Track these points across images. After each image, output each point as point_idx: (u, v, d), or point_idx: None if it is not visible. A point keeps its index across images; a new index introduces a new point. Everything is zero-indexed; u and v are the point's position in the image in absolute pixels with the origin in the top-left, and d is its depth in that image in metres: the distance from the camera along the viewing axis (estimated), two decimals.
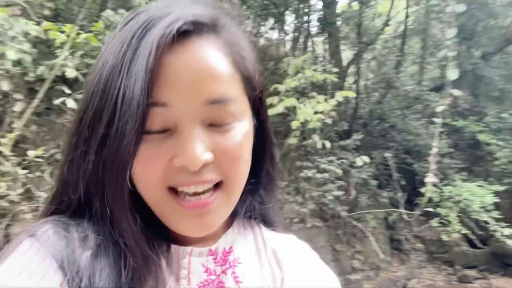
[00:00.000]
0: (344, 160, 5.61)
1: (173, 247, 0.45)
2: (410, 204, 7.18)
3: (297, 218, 5.84)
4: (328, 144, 4.61)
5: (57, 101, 3.68)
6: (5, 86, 4.20)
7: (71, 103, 3.69)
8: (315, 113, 4.58)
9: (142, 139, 0.37)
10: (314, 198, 5.45)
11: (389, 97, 8.05)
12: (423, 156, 7.58)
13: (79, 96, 4.25)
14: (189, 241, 0.45)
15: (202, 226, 0.39)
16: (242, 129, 0.42)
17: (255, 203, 0.52)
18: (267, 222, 0.54)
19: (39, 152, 3.31)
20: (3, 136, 3.29)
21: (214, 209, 0.40)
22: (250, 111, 0.45)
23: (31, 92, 4.79)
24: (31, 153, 3.28)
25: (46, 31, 3.72)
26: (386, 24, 7.96)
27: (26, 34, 3.86)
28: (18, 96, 4.43)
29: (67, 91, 3.91)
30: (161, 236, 0.43)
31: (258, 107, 0.48)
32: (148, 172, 0.38)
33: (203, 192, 0.39)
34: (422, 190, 5.59)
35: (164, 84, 0.37)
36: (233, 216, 0.50)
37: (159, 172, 0.38)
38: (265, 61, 6.93)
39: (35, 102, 4.43)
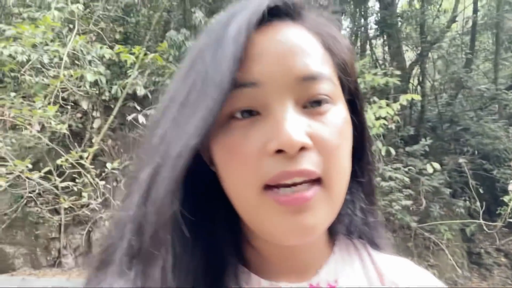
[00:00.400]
0: (411, 168, 5.26)
1: (254, 277, 0.37)
2: (490, 214, 6.49)
3: None
4: (393, 151, 4.36)
5: (129, 117, 3.98)
6: (85, 105, 4.67)
7: (141, 119, 3.97)
8: (377, 118, 4.39)
9: (228, 126, 0.34)
10: (379, 208, 5.17)
11: (460, 98, 7.44)
12: (504, 161, 6.83)
13: (149, 112, 4.57)
14: (278, 276, 0.38)
15: (302, 226, 0.32)
16: (340, 114, 0.36)
17: (356, 217, 0.43)
18: (373, 242, 0.44)
19: (115, 164, 3.59)
20: (84, 151, 3.64)
21: (314, 207, 0.32)
22: (343, 96, 0.39)
23: (106, 109, 5.26)
24: (109, 165, 3.58)
25: (118, 54, 4.06)
26: (452, 20, 7.42)
27: (101, 58, 4.25)
28: (96, 114, 4.90)
29: (138, 107, 4.22)
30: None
31: (353, 96, 0.41)
32: (239, 166, 0.33)
33: (301, 183, 0.32)
34: (505, 198, 5.02)
35: (252, 63, 0.33)
36: (332, 235, 0.42)
37: (252, 164, 0.33)
38: None
39: (110, 118, 4.86)
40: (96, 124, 4.79)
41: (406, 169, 5.17)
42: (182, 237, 0.32)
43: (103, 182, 3.77)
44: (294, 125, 0.32)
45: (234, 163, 0.34)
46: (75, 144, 5.02)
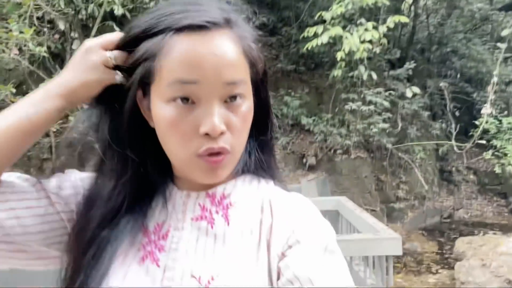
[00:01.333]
0: (392, 92, 5.39)
1: (176, 189, 0.57)
2: (467, 136, 6.86)
3: (341, 149, 5.91)
4: (374, 76, 4.43)
5: None
6: (62, 25, 4.46)
7: None
8: (362, 42, 4.35)
9: (169, 105, 0.48)
10: (359, 131, 5.42)
11: (452, 18, 7.26)
12: (486, 85, 6.99)
13: None
14: (192, 188, 0.56)
15: (216, 175, 0.51)
16: (247, 106, 0.52)
17: (254, 162, 0.60)
18: (271, 176, 0.61)
19: None
20: None
21: (222, 166, 0.50)
22: (252, 91, 0.54)
23: (84, 29, 5.05)
24: None
25: None
26: None
27: None
28: (74, 34, 4.71)
29: (116, 28, 4.07)
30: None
31: (259, 87, 0.56)
32: (180, 137, 0.49)
33: (218, 154, 0.49)
34: (478, 122, 5.30)
35: (194, 68, 0.47)
36: (239, 172, 0.59)
37: (188, 139, 0.48)
38: None
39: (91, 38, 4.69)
40: (75, 45, 4.63)
41: (386, 94, 5.30)
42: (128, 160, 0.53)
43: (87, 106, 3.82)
44: (218, 117, 0.47)
45: (173, 135, 0.49)
46: (56, 66, 4.92)
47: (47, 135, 4.75)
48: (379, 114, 5.34)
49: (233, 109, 0.50)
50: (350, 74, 5.07)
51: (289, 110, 5.76)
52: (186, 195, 0.56)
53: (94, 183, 0.57)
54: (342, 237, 3.15)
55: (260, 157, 0.60)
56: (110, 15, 4.56)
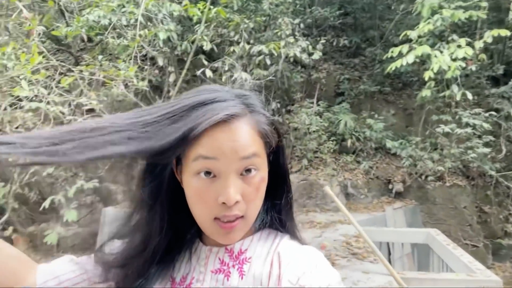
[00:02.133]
0: (494, 112, 4.78)
1: (201, 244, 0.66)
2: None
3: (434, 176, 5.39)
4: (470, 95, 4.01)
5: (198, 72, 4.28)
6: (161, 61, 5.08)
7: (209, 73, 4.25)
8: (454, 60, 4.02)
9: (196, 177, 0.57)
10: (454, 155, 4.90)
11: None
12: None
13: (215, 65, 4.82)
14: (215, 244, 0.63)
15: (229, 239, 0.59)
16: (260, 177, 0.60)
17: (273, 219, 0.69)
18: (284, 230, 0.69)
19: None
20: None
21: (236, 230, 0.59)
22: (266, 160, 0.62)
23: (180, 63, 5.66)
24: None
25: (186, 9, 4.27)
26: None
27: (171, 15, 4.51)
28: (170, 68, 5.32)
29: (205, 62, 4.48)
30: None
31: (276, 158, 0.66)
32: (202, 205, 0.58)
33: (232, 221, 0.58)
34: None
35: (215, 149, 0.56)
36: (258, 229, 0.68)
37: (209, 208, 0.57)
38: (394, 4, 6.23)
39: (183, 72, 5.24)
40: (172, 78, 5.21)
41: (487, 114, 4.72)
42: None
43: None
44: (233, 189, 0.56)
45: (198, 202, 0.58)
46: (156, 97, 5.58)
47: None
48: (479, 137, 4.76)
49: (248, 181, 0.58)
50: (442, 94, 4.67)
51: (373, 133, 5.50)
52: (209, 250, 0.65)
53: (126, 241, 0.66)
54: (430, 276, 2.85)
55: (278, 216, 0.68)
56: (201, 50, 5.05)
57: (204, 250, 0.65)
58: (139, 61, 4.15)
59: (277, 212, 0.69)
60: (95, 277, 0.65)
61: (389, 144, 5.40)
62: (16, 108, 3.85)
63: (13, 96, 3.48)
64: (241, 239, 0.65)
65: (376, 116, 5.73)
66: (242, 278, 0.61)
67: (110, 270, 0.64)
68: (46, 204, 4.51)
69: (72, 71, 3.72)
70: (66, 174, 5.47)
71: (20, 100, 3.40)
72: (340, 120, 5.45)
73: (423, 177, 5.52)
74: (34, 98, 3.19)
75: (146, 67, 4.69)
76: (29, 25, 3.74)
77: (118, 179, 5.80)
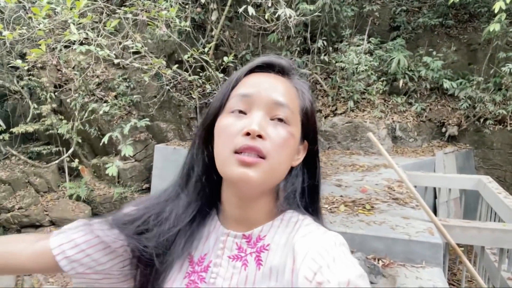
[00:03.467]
0: None
1: (221, 227, 0.64)
2: None
3: (493, 119, 4.97)
4: None
5: (240, 10, 4.10)
6: None
7: (251, 10, 4.06)
8: None
9: (228, 115, 0.58)
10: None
11: None
12: None
13: (259, 1, 4.57)
14: (234, 227, 0.62)
15: (247, 176, 0.54)
16: (288, 130, 0.58)
17: (297, 200, 0.65)
18: (307, 213, 0.65)
19: (231, 57, 3.93)
20: (204, 46, 4.03)
21: (255, 168, 0.55)
22: (300, 130, 0.62)
23: (222, 1, 5.44)
24: (226, 59, 3.94)
25: None
26: None
27: None
28: (213, 6, 5.15)
29: None
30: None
31: (312, 137, 0.65)
32: (227, 138, 0.56)
33: (252, 152, 0.55)
34: None
35: (251, 86, 0.59)
36: (279, 211, 0.64)
37: (232, 138, 0.55)
38: None
39: (226, 9, 5.06)
40: (214, 16, 5.07)
41: None
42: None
43: (221, 75, 4.21)
44: (259, 122, 0.55)
45: (223, 135, 0.57)
46: (199, 36, 5.52)
47: (192, 98, 5.49)
48: None
49: (277, 128, 0.58)
50: None
51: (429, 72, 5.07)
52: (227, 234, 0.62)
53: (143, 207, 0.65)
54: (474, 224, 2.78)
55: (303, 197, 0.65)
56: None
57: (222, 233, 0.63)
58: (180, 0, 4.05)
59: (302, 193, 0.65)
60: (109, 239, 0.63)
61: (446, 84, 4.98)
62: (69, 49, 4.04)
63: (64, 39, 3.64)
64: (261, 224, 0.61)
65: (434, 53, 5.22)
66: (259, 268, 0.58)
67: (127, 234, 0.62)
68: (105, 139, 4.92)
69: (117, 13, 3.75)
70: (120, 113, 5.83)
71: (72, 43, 3.54)
72: (393, 58, 5.05)
73: (481, 120, 5.12)
74: (83, 41, 3.31)
75: (187, 5, 4.58)
76: None
77: (168, 118, 6.08)
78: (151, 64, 3.74)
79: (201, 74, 4.20)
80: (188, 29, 4.01)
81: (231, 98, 0.60)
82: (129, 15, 3.66)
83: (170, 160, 5.55)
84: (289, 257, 0.57)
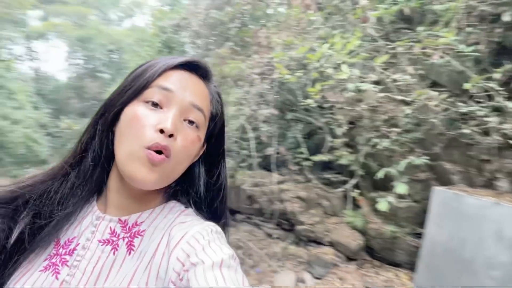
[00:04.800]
0: None
1: (96, 210, 0.62)
2: None
3: None
4: None
5: None
6: (508, 17, 4.04)
7: None
8: None
9: (141, 105, 0.58)
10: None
11: None
12: None
13: None
14: (110, 212, 0.62)
15: (149, 172, 0.55)
16: (197, 134, 0.61)
17: (191, 199, 0.66)
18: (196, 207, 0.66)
19: None
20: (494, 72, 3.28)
21: (157, 170, 0.55)
22: (204, 135, 0.65)
23: None
24: None
25: None
26: None
27: None
28: None
29: None
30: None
31: (216, 140, 0.68)
32: (138, 131, 0.55)
33: (161, 153, 0.56)
34: None
35: (174, 82, 0.60)
36: (164, 201, 0.65)
37: (145, 132, 0.55)
38: None
39: None
40: None
41: None
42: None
43: None
44: (174, 123, 0.57)
45: (133, 127, 0.57)
46: (502, 60, 4.51)
47: (486, 134, 4.53)
48: None
49: (186, 129, 0.60)
50: None
51: None
52: (102, 217, 0.61)
53: (23, 186, 0.62)
54: None
55: (200, 195, 0.65)
56: None
57: (97, 217, 0.62)
58: (464, 22, 3.57)
59: (194, 188, 0.66)
60: None
61: None
62: (342, 90, 4.49)
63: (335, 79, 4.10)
64: (140, 212, 0.61)
65: None
66: (129, 253, 0.57)
67: (4, 214, 0.59)
68: (380, 174, 4.97)
69: (392, 47, 3.82)
70: (402, 149, 5.71)
71: (342, 82, 3.95)
72: None
73: None
74: (353, 79, 3.60)
75: (474, 28, 3.93)
76: (364, 12, 4.18)
77: (454, 158, 5.29)
78: (421, 96, 3.51)
79: (484, 104, 3.43)
80: (476, 54, 3.45)
81: (149, 87, 0.58)
82: (401, 49, 3.65)
83: (449, 206, 4.82)
84: (163, 242, 0.57)
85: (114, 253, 0.58)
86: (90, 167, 0.62)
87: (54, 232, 0.60)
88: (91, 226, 0.62)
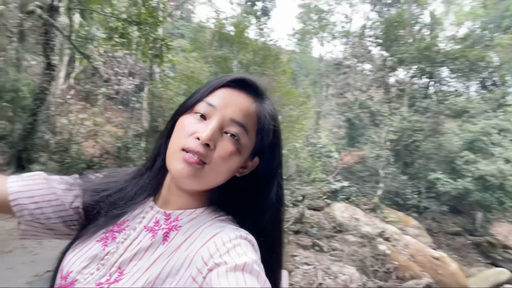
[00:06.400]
0: None
1: (151, 203, 0.72)
2: None
3: None
4: None
5: None
6: None
7: None
8: None
9: (191, 115, 0.67)
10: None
11: None
12: None
13: None
14: (160, 205, 0.71)
15: (183, 171, 0.63)
16: (236, 147, 0.65)
17: (233, 208, 0.70)
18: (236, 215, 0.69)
19: None
20: None
21: (193, 169, 0.62)
22: (251, 147, 0.68)
23: None
24: None
25: None
26: None
27: None
28: None
29: None
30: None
31: (268, 156, 0.70)
32: (180, 135, 0.64)
33: (197, 156, 0.63)
34: None
35: (218, 98, 0.67)
36: (208, 206, 0.70)
37: (185, 137, 0.63)
38: None
39: None
40: None
41: None
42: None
43: None
44: (211, 134, 0.63)
45: (179, 134, 0.66)
46: None
47: None
48: None
49: (226, 141, 0.65)
50: None
51: None
52: (151, 207, 0.72)
53: (110, 181, 0.76)
54: None
55: (244, 207, 0.69)
56: None
57: (148, 206, 0.71)
58: None
59: (241, 201, 0.69)
60: (65, 198, 0.72)
61: None
62: None
63: None
64: (182, 209, 0.69)
65: None
66: (163, 243, 0.65)
67: (92, 200, 0.72)
68: None
69: None
70: None
71: None
72: None
73: None
74: None
75: None
76: None
77: None
78: None
79: None
80: None
81: (201, 102, 0.67)
82: None
83: None
84: (192, 238, 0.63)
85: (151, 239, 0.66)
86: (158, 169, 0.74)
87: (120, 215, 0.72)
88: (143, 213, 0.71)
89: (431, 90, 18.51)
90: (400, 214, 13.66)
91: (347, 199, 13.21)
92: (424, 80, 18.63)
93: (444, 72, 17.87)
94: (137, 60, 13.60)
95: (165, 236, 0.66)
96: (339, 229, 10.47)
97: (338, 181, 13.94)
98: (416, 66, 17.27)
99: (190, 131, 0.65)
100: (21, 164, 9.69)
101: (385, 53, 18.03)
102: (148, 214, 0.71)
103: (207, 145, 0.63)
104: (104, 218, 0.71)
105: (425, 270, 10.18)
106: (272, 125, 0.69)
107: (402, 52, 16.59)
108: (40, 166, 9.86)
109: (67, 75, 14.63)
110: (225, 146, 0.64)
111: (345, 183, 13.70)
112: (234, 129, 0.64)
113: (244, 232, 0.62)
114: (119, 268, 0.64)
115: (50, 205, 0.71)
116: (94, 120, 13.18)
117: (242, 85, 0.69)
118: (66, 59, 14.09)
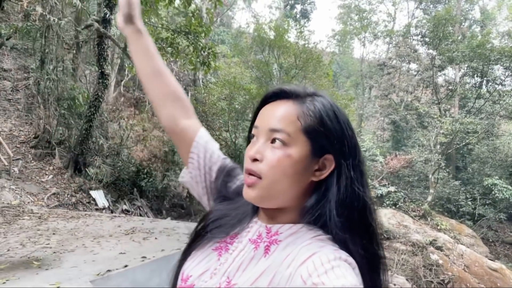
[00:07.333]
0: None
1: (256, 218, 0.77)
2: None
3: None
4: None
5: None
6: None
7: None
8: None
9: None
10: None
11: None
12: None
13: None
14: (262, 220, 0.75)
15: (246, 192, 0.69)
16: (285, 152, 0.66)
17: (328, 221, 0.66)
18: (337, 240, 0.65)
19: None
20: None
21: (253, 189, 0.68)
22: (305, 147, 0.67)
23: None
24: None
25: None
26: None
27: None
28: None
29: None
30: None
31: (335, 153, 0.68)
32: (245, 159, 0.71)
33: (250, 176, 0.69)
34: None
35: (260, 118, 0.73)
36: (304, 220, 0.70)
37: (246, 159, 0.71)
38: None
39: None
40: None
41: None
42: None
43: None
44: (255, 149, 0.68)
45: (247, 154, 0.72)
46: None
47: None
48: None
49: (273, 149, 0.67)
50: None
51: None
52: (255, 221, 0.77)
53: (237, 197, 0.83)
54: None
55: (335, 215, 0.66)
56: None
57: (253, 221, 0.77)
58: None
59: (331, 208, 0.66)
60: (223, 174, 0.87)
61: None
62: None
63: None
64: (283, 223, 0.71)
65: None
66: (265, 256, 0.67)
67: (219, 193, 0.85)
68: None
69: None
70: None
71: None
72: None
73: None
74: None
75: None
76: None
77: None
78: None
79: None
80: None
81: (253, 127, 0.74)
82: None
83: None
84: (291, 256, 0.62)
85: (254, 251, 0.69)
86: None
87: (236, 227, 0.78)
88: (249, 227, 0.76)
89: (484, 89, 17.50)
90: (453, 221, 13.03)
91: (394, 205, 12.77)
92: (476, 79, 17.65)
93: (498, 70, 16.82)
94: (181, 67, 14.08)
95: (266, 249, 0.68)
96: (386, 236, 10.12)
97: (384, 186, 13.52)
98: (467, 65, 16.39)
99: (247, 154, 0.70)
100: (78, 167, 10.37)
101: (432, 52, 17.26)
102: (253, 227, 0.75)
103: (255, 160, 0.67)
104: (224, 228, 0.78)
105: (482, 282, 9.55)
106: (320, 119, 0.67)
107: (451, 50, 15.82)
108: (95, 170, 10.51)
109: (117, 83, 15.51)
110: (270, 153, 0.66)
111: (392, 188, 13.25)
112: (277, 136, 0.67)
113: (344, 254, 0.58)
114: (227, 277, 0.67)
115: (215, 171, 0.86)
116: (142, 126, 13.86)
117: (278, 95, 0.72)
118: (116, 68, 14.96)
